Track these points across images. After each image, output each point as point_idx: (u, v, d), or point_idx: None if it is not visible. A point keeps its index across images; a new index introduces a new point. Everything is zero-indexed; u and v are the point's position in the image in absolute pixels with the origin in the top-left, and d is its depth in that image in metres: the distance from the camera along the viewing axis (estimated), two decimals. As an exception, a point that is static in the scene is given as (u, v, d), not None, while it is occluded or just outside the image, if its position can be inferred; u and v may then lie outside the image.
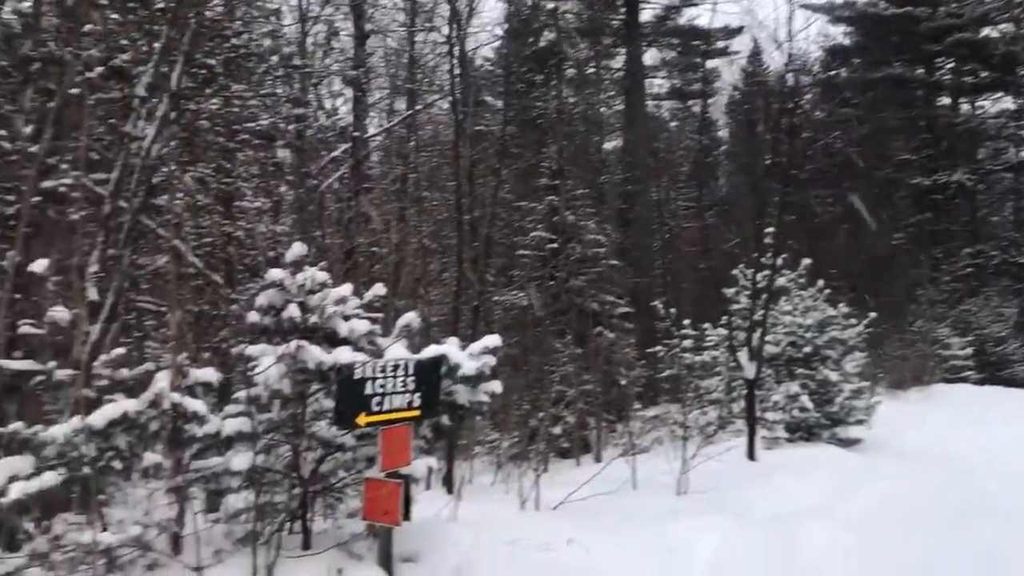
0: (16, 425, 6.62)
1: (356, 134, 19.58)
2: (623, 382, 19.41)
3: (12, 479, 6.28)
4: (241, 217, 14.78)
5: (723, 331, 15.56)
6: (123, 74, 10.30)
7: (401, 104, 24.78)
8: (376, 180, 21.50)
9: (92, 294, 9.97)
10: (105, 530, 6.42)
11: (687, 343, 16.72)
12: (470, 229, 17.54)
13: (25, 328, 6.75)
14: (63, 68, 9.25)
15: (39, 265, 6.73)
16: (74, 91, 9.50)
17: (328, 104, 20.25)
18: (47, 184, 9.19)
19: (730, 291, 16.05)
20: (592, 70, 28.59)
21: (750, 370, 13.09)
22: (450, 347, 7.40)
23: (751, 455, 12.71)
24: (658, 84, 40.57)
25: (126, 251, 10.58)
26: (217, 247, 13.78)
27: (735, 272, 16.29)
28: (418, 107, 22.24)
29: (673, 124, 41.80)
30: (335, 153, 19.30)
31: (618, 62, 32.90)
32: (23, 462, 6.48)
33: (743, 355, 13.25)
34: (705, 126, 41.83)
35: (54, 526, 6.83)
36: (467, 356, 7.39)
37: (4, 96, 10.24)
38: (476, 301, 17.05)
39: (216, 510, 7.94)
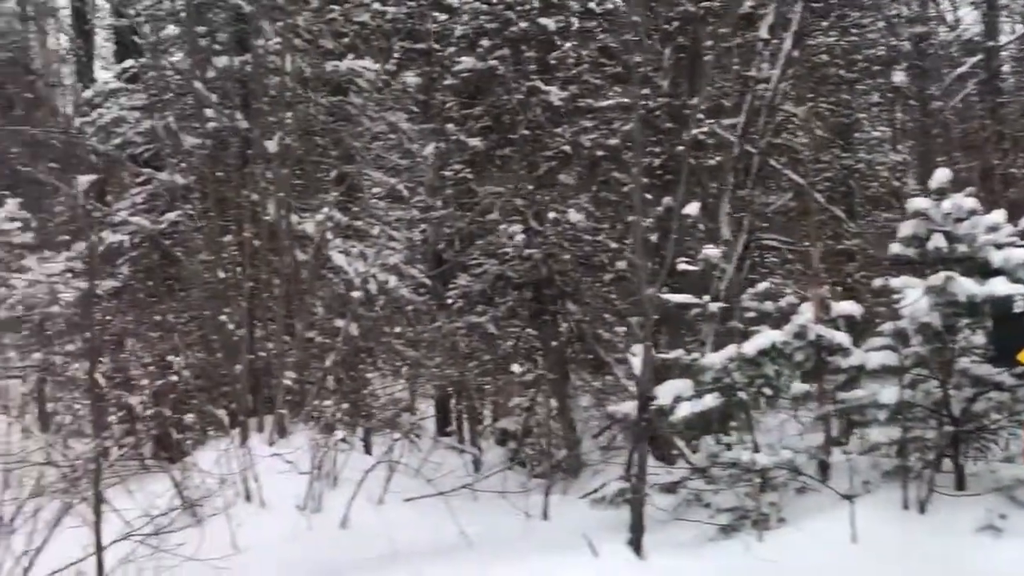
0: (677, 352, 7.47)
1: (989, 44, 17.58)
2: None
3: (676, 399, 7.11)
4: (860, 148, 14.42)
5: None
6: (748, 20, 10.71)
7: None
8: (1011, 93, 19.08)
9: (725, 233, 10.70)
10: (758, 451, 6.90)
11: None
12: None
13: (681, 265, 7.52)
14: (696, 23, 9.94)
15: (691, 208, 7.41)
16: (707, 43, 10.19)
17: (951, 16, 18.52)
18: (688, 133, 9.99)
19: None
20: None
21: None
22: None
23: None
24: None
25: (755, 191, 11.11)
26: (837, 181, 13.66)
27: None
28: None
29: None
30: (961, 70, 17.60)
31: None
32: (683, 385, 7.29)
33: None
34: None
35: (705, 445, 7.58)
36: None
37: (646, 56, 11.37)
38: None
39: (848, 442, 8.00)
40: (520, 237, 10.99)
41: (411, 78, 10.42)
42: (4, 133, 13.50)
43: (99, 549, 5.30)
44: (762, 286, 7.51)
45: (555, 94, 9.56)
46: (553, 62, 9.68)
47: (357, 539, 7.20)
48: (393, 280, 9.61)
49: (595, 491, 8.22)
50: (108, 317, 6.76)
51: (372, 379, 10.31)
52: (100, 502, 5.37)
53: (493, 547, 6.99)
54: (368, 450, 9.48)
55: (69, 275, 7.88)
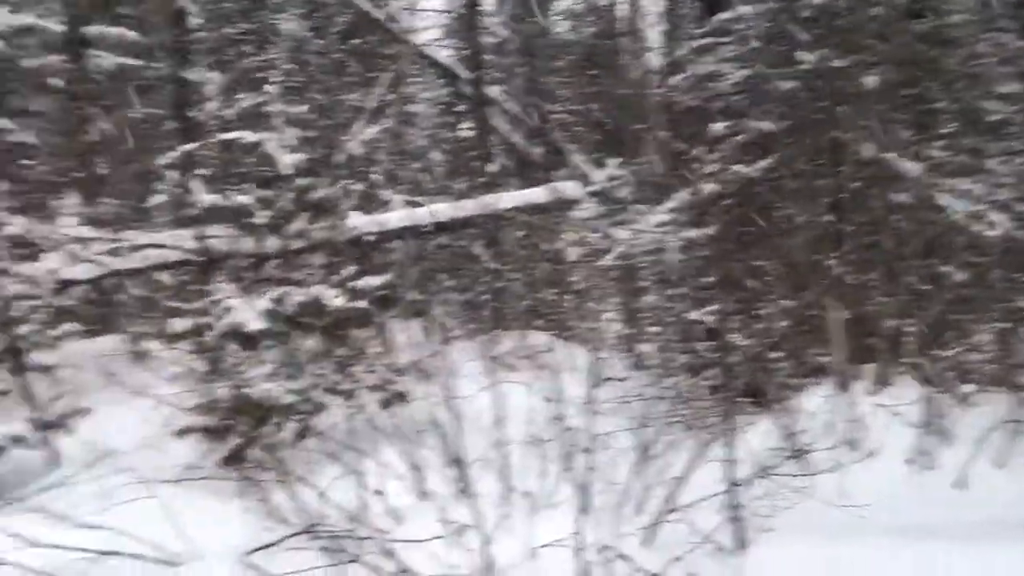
0: None
1: None
2: None
3: None
4: None
5: None
6: None
7: None
8: None
9: None
10: None
11: None
12: None
13: None
14: None
15: None
16: None
17: None
18: None
19: None
20: None
21: None
22: None
23: None
24: None
25: None
26: None
27: None
28: None
29: None
30: None
31: None
32: None
33: None
34: None
35: None
36: None
37: None
38: None
39: None
40: None
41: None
42: (600, 98, 14.91)
43: (732, 484, 5.52)
44: None
45: None
46: None
47: (975, 503, 6.57)
48: (1004, 220, 8.55)
49: None
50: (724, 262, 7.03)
51: (976, 330, 9.36)
52: (732, 439, 5.58)
53: None
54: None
55: (673, 225, 8.38)
